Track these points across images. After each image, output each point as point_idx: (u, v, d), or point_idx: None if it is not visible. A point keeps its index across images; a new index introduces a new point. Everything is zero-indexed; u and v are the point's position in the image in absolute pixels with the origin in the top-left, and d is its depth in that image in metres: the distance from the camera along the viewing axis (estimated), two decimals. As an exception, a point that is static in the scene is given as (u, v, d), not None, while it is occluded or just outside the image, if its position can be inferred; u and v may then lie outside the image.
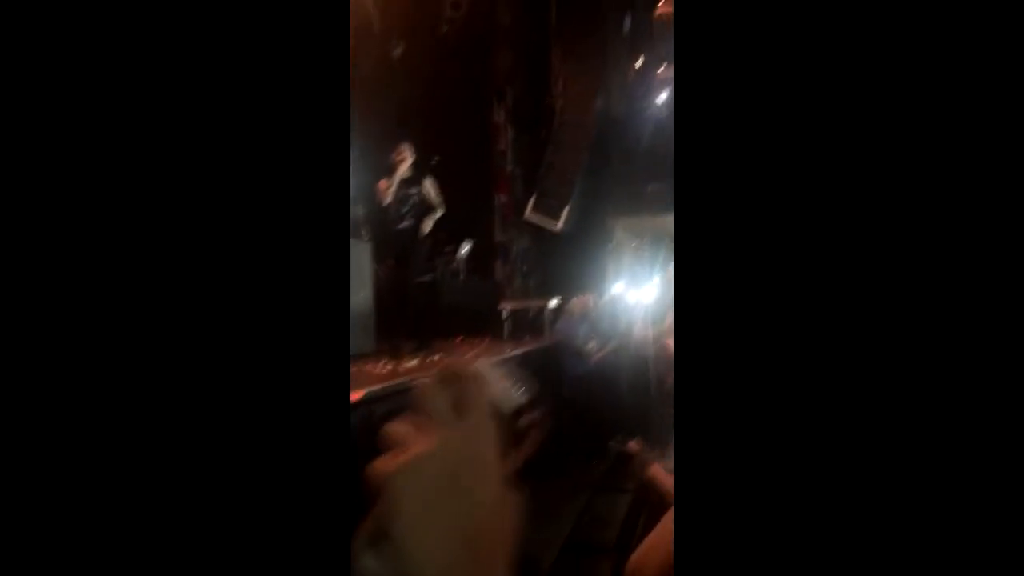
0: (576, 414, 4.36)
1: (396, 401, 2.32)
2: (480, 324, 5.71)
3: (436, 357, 3.56)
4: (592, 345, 4.57)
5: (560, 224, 6.33)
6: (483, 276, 6.76)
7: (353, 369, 3.00)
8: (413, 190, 3.91)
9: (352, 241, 4.59)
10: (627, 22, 6.54)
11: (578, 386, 4.44)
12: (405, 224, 3.94)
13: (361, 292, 4.28)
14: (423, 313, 4.30)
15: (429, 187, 3.95)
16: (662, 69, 6.33)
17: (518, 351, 3.96)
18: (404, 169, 3.86)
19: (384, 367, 3.06)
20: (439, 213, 3.99)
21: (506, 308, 5.92)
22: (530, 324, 6.07)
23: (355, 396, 2.07)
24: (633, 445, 1.63)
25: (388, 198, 3.88)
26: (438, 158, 4.26)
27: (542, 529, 3.34)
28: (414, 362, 3.20)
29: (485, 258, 6.84)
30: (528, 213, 6.51)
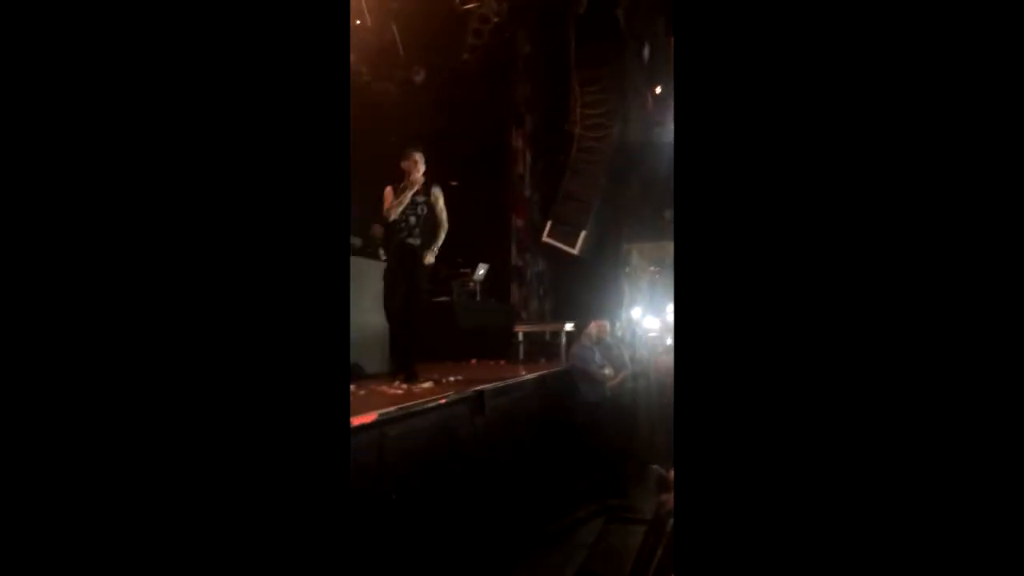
0: (590, 441, 4.30)
1: (410, 423, 2.31)
2: (495, 346, 5.69)
3: (451, 379, 3.55)
4: (608, 371, 4.53)
5: (577, 249, 6.34)
6: (499, 299, 6.76)
7: (367, 390, 3.00)
8: (420, 199, 3.47)
9: (371, 261, 4.63)
10: (646, 50, 6.62)
11: (593, 412, 4.39)
12: (413, 240, 3.47)
13: (378, 312, 4.29)
14: (439, 334, 4.26)
15: (438, 196, 3.51)
16: (680, 97, 6.36)
17: (533, 375, 3.93)
18: (416, 177, 3.37)
19: (399, 388, 3.06)
20: (444, 230, 3.56)
21: (521, 331, 5.90)
22: (545, 348, 6.04)
23: (369, 418, 2.06)
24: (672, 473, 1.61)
25: (395, 214, 3.40)
26: (456, 183, 4.28)
27: (555, 558, 3.27)
28: (428, 384, 3.19)
29: (501, 281, 6.86)
30: (545, 237, 6.53)
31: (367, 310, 4.10)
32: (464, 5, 6.30)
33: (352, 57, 6.21)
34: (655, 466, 1.76)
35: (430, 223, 3.51)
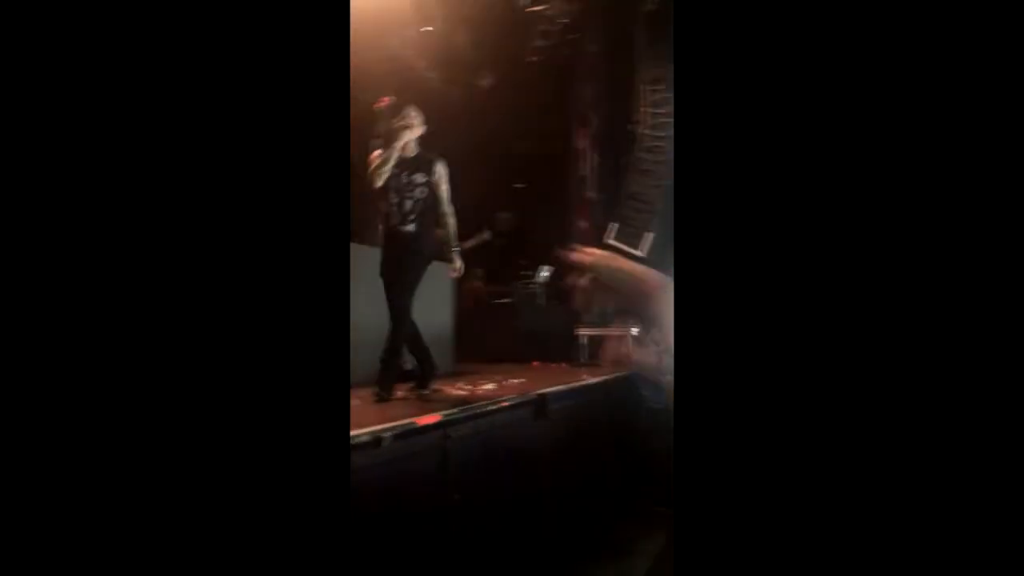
0: (653, 447, 4.21)
1: (472, 425, 2.33)
2: (556, 349, 5.67)
3: (514, 381, 3.57)
4: (671, 378, 4.41)
5: (642, 251, 6.22)
6: (561, 301, 6.73)
7: (430, 390, 3.05)
8: (420, 178, 2.69)
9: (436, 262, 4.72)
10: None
11: (656, 419, 4.29)
12: (408, 227, 2.72)
13: (441, 313, 4.37)
14: (499, 335, 4.26)
15: (442, 174, 2.76)
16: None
17: (596, 379, 3.89)
18: (408, 140, 2.61)
19: (461, 389, 3.10)
20: (452, 218, 2.88)
21: (583, 334, 5.85)
22: (607, 352, 5.96)
23: (432, 419, 2.10)
24: None
25: (379, 179, 2.61)
26: (521, 185, 4.28)
27: (619, 565, 3.22)
28: (491, 385, 3.22)
29: (563, 283, 6.82)
30: (608, 239, 6.45)
31: (435, 313, 4.19)
32: (530, 7, 6.32)
33: (422, 63, 6.36)
34: None
35: (432, 208, 2.79)
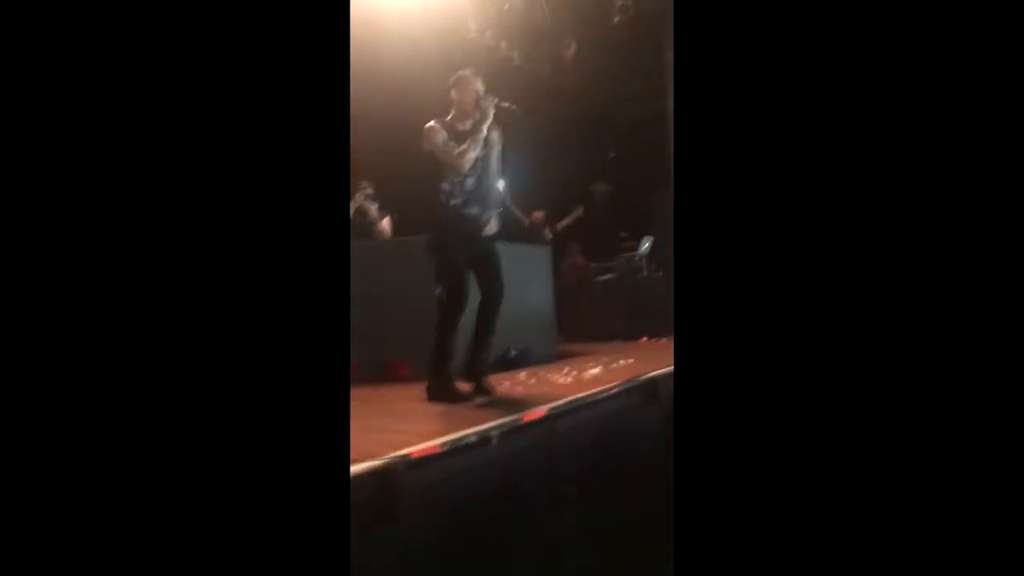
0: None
1: (581, 415, 2.27)
2: (665, 323, 5.45)
3: (621, 363, 3.45)
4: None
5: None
6: (667, 273, 6.45)
7: (535, 379, 3.03)
8: (478, 151, 2.45)
9: (532, 247, 4.68)
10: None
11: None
12: (470, 210, 2.49)
13: (542, 294, 4.34)
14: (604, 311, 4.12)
15: (495, 145, 2.53)
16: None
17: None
18: (484, 108, 2.41)
19: (567, 376, 3.04)
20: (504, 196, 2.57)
21: (693, 307, 5.57)
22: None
23: (538, 413, 2.06)
24: None
25: (465, 161, 2.41)
26: (615, 153, 4.08)
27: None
28: (597, 369, 3.14)
29: (667, 251, 6.53)
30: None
31: (535, 296, 4.16)
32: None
33: (503, 44, 6.27)
34: None
35: (486, 184, 2.52)
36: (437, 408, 2.34)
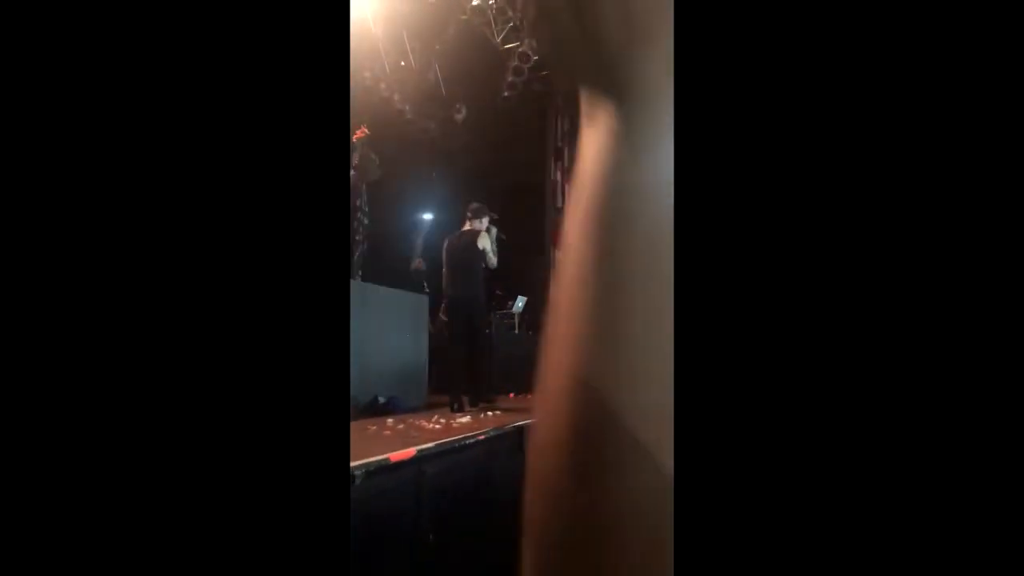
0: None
1: (449, 459, 2.27)
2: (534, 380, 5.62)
3: (490, 414, 3.50)
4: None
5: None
6: (538, 331, 6.72)
7: (404, 424, 2.98)
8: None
9: (413, 294, 4.68)
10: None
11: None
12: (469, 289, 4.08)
13: (416, 346, 4.32)
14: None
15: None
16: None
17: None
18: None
19: (436, 423, 3.03)
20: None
21: (560, 365, 5.81)
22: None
23: (408, 453, 2.04)
24: None
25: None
26: (496, 216, 4.31)
27: None
28: (467, 418, 3.16)
29: (540, 313, 6.82)
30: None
31: (409, 344, 4.12)
32: (504, 45, 6.46)
33: (396, 97, 6.42)
34: None
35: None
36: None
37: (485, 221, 4.07)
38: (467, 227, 4.10)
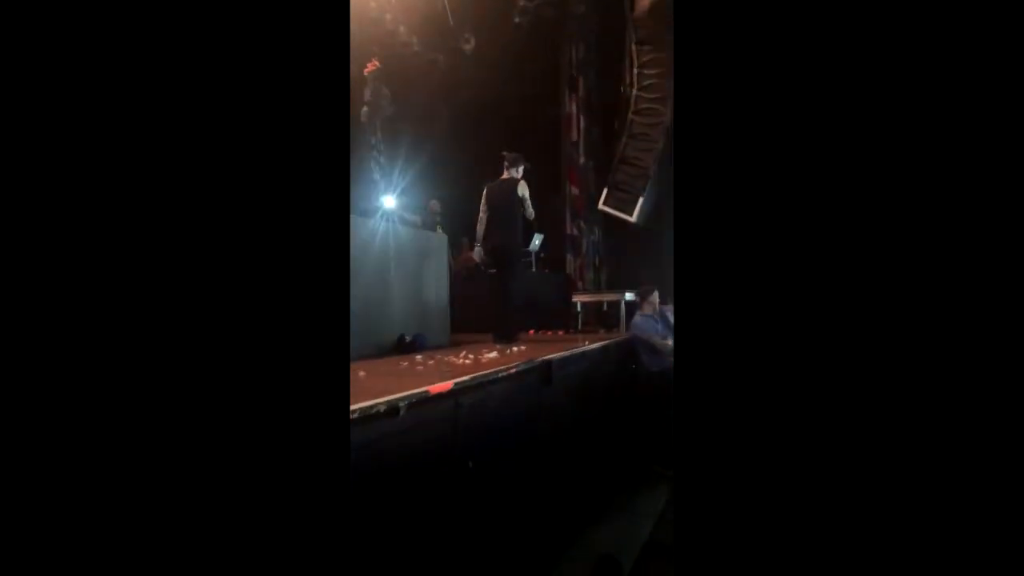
0: (653, 411, 4.24)
1: (484, 391, 2.31)
2: (552, 317, 5.66)
3: (514, 349, 3.55)
4: (670, 341, 4.43)
5: (634, 216, 6.18)
6: (554, 269, 6.71)
7: (433, 361, 3.03)
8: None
9: (429, 233, 4.66)
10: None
11: (655, 382, 4.32)
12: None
13: (438, 285, 4.33)
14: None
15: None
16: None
17: (595, 344, 3.89)
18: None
19: (465, 359, 3.07)
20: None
21: (579, 301, 5.83)
22: (602, 318, 5.96)
23: (446, 386, 2.07)
24: None
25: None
26: (531, 166, 4.23)
27: (622, 528, 3.27)
28: (493, 354, 3.20)
29: (557, 251, 6.79)
30: (601, 205, 6.40)
31: (432, 283, 4.14)
32: (514, -33, 6.12)
33: (401, 28, 6.16)
34: None
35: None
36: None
37: (521, 169, 4.09)
38: (505, 176, 4.12)
